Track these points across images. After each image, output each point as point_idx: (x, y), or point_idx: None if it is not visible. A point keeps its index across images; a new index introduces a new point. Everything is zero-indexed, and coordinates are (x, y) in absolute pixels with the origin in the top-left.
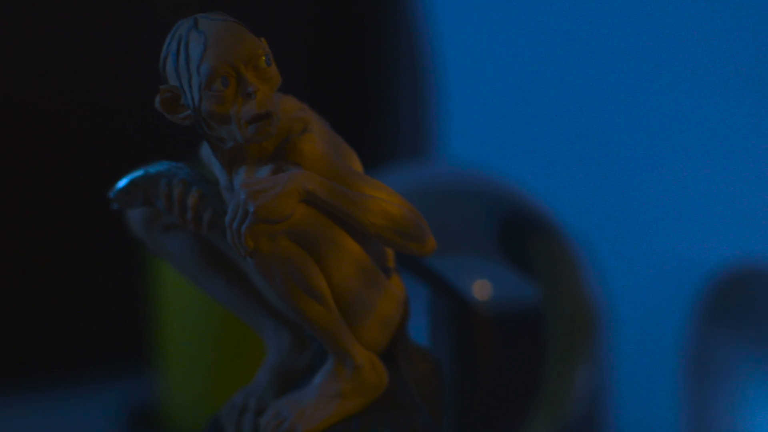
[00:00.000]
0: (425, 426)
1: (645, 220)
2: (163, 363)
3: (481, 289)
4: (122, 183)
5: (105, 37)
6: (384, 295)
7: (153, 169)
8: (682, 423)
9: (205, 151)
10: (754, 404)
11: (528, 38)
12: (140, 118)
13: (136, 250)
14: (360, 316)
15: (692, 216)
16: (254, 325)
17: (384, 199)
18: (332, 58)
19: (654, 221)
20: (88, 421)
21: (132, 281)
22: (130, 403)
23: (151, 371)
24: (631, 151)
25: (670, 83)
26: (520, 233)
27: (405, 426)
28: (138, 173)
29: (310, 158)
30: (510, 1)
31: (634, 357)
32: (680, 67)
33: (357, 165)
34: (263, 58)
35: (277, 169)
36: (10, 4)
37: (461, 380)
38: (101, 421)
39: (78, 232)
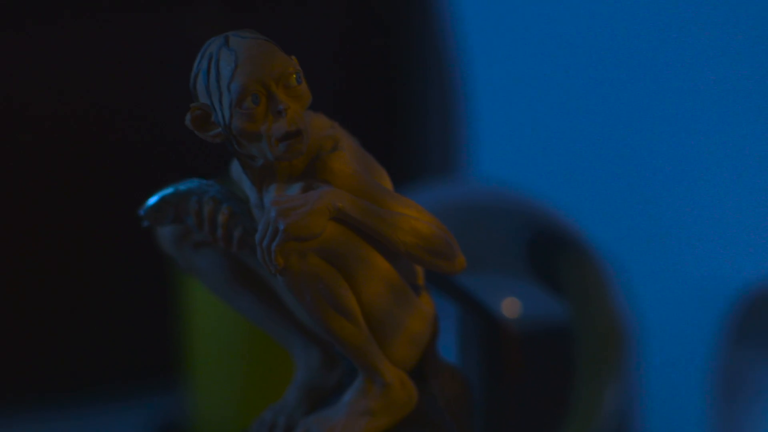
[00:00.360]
0: None
1: (675, 239)
2: (192, 380)
3: (510, 307)
4: (153, 200)
5: (136, 56)
6: (413, 313)
7: (183, 186)
8: None
9: (236, 168)
10: None
11: (558, 56)
12: (170, 136)
13: (166, 267)
14: (390, 333)
15: (722, 234)
16: (284, 343)
17: (414, 216)
18: (362, 76)
19: (684, 239)
20: None
21: (162, 298)
22: (159, 420)
23: (181, 388)
24: (661, 169)
25: (701, 103)
26: (549, 251)
27: None
28: (168, 190)
29: (340, 176)
30: (539, 19)
31: (663, 375)
32: (712, 87)
33: (387, 182)
34: (294, 75)
35: (307, 186)
36: (40, 24)
37: (490, 398)
38: None
39: (109, 248)
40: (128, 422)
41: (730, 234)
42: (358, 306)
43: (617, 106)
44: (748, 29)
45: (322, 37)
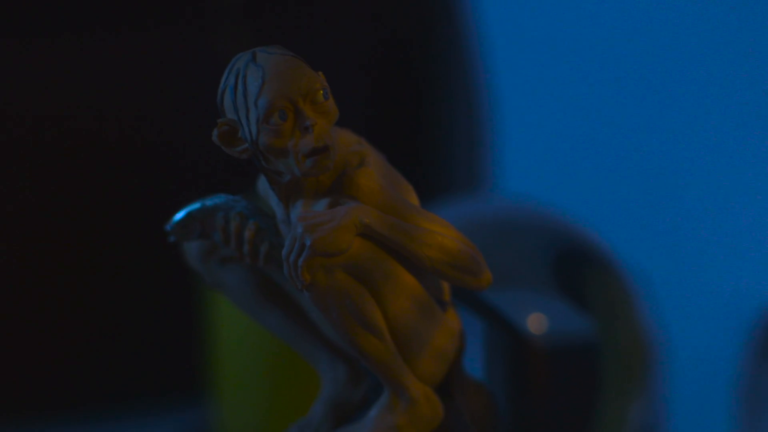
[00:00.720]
0: None
1: (700, 254)
2: (218, 395)
3: (536, 323)
4: (179, 216)
5: (163, 72)
6: (440, 329)
7: (210, 201)
8: None
9: (262, 184)
10: None
11: (583, 70)
12: (197, 151)
13: (192, 282)
14: (416, 349)
15: (747, 249)
16: (309, 358)
17: (440, 232)
18: (389, 92)
19: (709, 254)
20: None
21: (188, 313)
22: None
23: (206, 403)
24: (686, 184)
25: (726, 121)
26: (575, 267)
27: None
28: (195, 206)
29: (366, 192)
30: (564, 34)
31: (688, 390)
32: (741, 107)
33: (413, 198)
34: (321, 91)
35: (333, 202)
36: (65, 40)
37: (516, 414)
38: None
39: (135, 264)
40: None
41: (755, 249)
42: (385, 321)
43: (643, 122)
44: None
45: (348, 53)
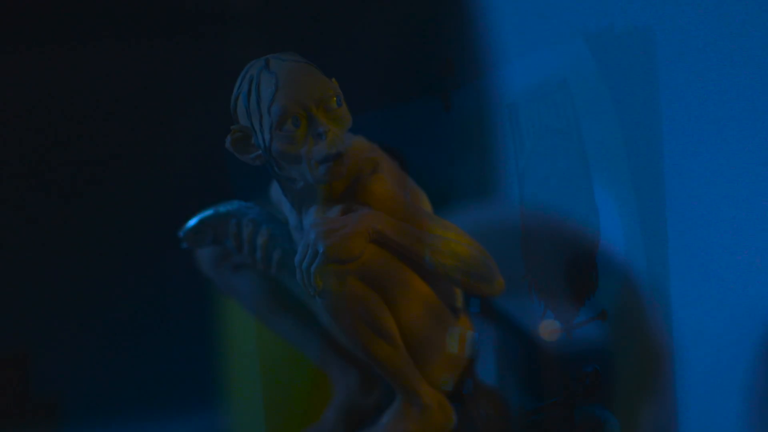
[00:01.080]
0: None
1: (713, 260)
2: (230, 401)
3: (548, 329)
4: (192, 222)
5: (177, 79)
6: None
7: (223, 208)
8: None
9: (275, 191)
10: None
11: (596, 77)
12: (210, 157)
13: (205, 288)
14: (428, 355)
15: (760, 256)
16: (322, 364)
17: (453, 239)
18: (401, 98)
19: (722, 261)
20: None
21: (200, 319)
22: None
23: (219, 410)
24: (699, 191)
25: (741, 126)
26: (587, 274)
27: None
28: (208, 212)
29: (379, 198)
30: (576, 38)
31: (701, 397)
32: (753, 111)
33: (426, 205)
34: (334, 98)
35: (346, 209)
36: (75, 49)
37: (529, 420)
38: None
39: (148, 270)
40: None
41: None
42: (397, 328)
43: (657, 128)
44: None
45: (363, 59)
